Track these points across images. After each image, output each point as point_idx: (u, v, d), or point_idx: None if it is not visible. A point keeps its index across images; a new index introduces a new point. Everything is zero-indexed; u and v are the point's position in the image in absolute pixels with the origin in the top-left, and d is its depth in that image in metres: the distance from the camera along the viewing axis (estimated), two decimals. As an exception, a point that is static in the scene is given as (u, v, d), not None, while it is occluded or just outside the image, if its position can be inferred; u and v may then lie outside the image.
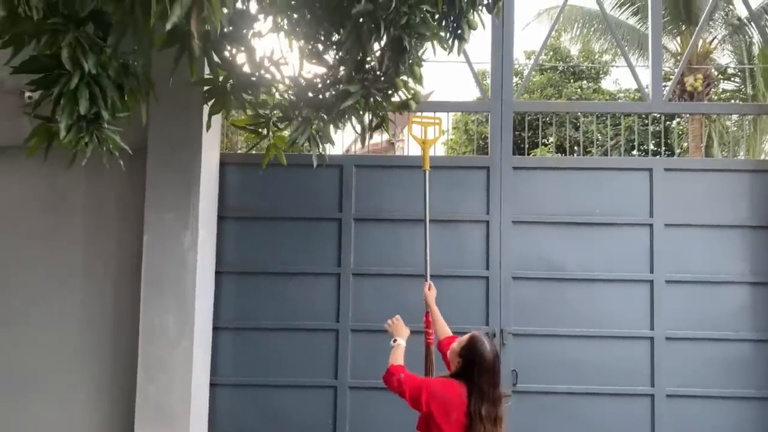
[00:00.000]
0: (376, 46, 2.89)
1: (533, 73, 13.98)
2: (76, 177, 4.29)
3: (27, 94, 4.05)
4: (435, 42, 3.05)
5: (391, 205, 4.53)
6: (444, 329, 3.24)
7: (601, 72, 15.50)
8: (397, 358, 2.82)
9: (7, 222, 4.38)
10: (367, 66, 3.03)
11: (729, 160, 4.64)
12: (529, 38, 26.67)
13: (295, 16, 3.14)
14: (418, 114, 4.24)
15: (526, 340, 4.42)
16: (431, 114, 4.35)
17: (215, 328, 4.41)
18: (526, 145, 5.99)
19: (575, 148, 9.91)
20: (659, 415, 4.35)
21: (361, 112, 3.24)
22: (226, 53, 2.88)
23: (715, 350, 4.39)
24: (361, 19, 2.71)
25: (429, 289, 3.40)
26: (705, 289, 4.44)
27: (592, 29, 13.46)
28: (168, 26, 2.14)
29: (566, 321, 4.43)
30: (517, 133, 5.73)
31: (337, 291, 4.49)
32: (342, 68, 3.08)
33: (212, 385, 4.37)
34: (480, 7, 3.18)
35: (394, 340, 2.92)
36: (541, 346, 4.42)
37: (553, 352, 4.41)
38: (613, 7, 13.24)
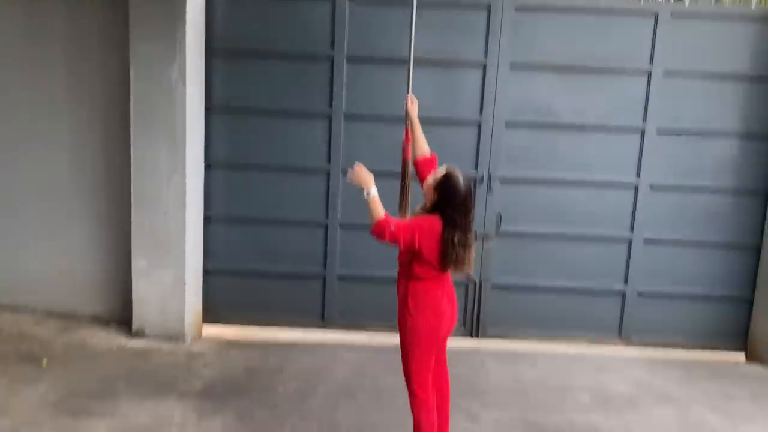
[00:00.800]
0: None
1: None
2: (56, 5, 4.07)
3: None
4: None
5: (387, 44, 4.34)
6: (423, 147, 3.14)
7: None
8: (380, 209, 2.79)
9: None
10: None
11: (740, 6, 4.43)
12: None
13: None
14: None
15: (513, 186, 4.50)
16: None
17: (207, 165, 4.44)
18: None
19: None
20: (635, 259, 4.57)
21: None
22: None
23: (696, 200, 4.53)
24: None
25: (411, 103, 3.29)
26: (695, 140, 4.47)
27: None
28: None
29: (555, 168, 4.49)
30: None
31: (328, 132, 4.45)
32: None
33: (206, 218, 4.48)
34: None
35: (367, 194, 2.84)
36: (527, 191, 4.51)
37: (539, 197, 4.52)
38: None
